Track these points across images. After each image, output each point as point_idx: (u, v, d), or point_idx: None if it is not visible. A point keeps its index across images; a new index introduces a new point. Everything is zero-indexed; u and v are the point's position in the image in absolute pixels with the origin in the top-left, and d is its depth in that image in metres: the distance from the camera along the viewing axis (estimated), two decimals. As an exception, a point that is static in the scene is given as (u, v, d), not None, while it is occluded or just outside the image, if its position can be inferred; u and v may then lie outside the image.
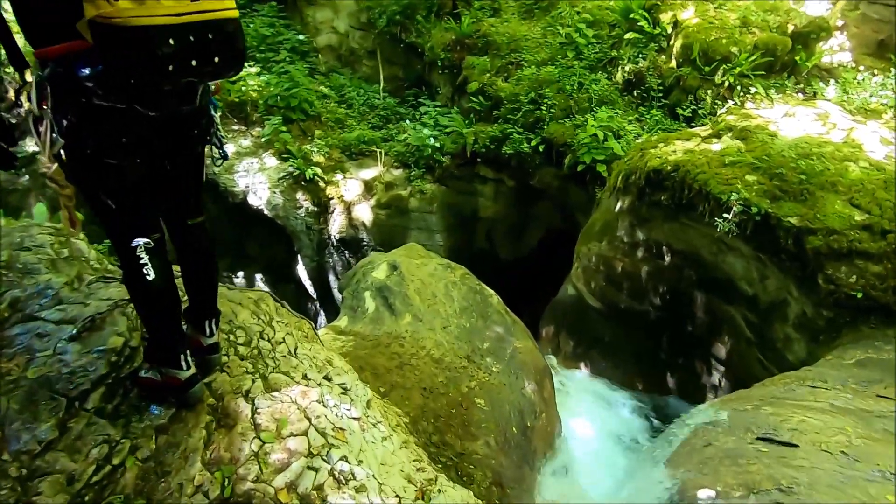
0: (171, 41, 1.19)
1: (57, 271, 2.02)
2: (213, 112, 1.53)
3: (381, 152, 8.65)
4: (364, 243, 8.69)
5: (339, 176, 8.52)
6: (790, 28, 6.41)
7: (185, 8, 1.22)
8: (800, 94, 6.25)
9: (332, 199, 8.54)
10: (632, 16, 6.90)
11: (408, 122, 9.14)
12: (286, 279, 9.91)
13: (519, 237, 8.68)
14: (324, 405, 1.90)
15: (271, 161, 8.60)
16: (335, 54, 10.84)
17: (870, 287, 3.66)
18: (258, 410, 1.72)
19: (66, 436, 1.45)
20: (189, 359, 1.59)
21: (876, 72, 6.25)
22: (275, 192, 8.54)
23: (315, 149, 8.60)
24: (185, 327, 1.69)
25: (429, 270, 5.39)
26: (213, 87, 1.51)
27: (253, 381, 1.81)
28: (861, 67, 6.61)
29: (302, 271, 9.46)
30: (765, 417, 3.10)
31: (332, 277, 9.25)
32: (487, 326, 4.85)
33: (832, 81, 6.00)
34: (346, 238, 8.68)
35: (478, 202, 8.26)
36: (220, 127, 1.55)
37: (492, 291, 5.29)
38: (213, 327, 1.73)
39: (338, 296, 9.18)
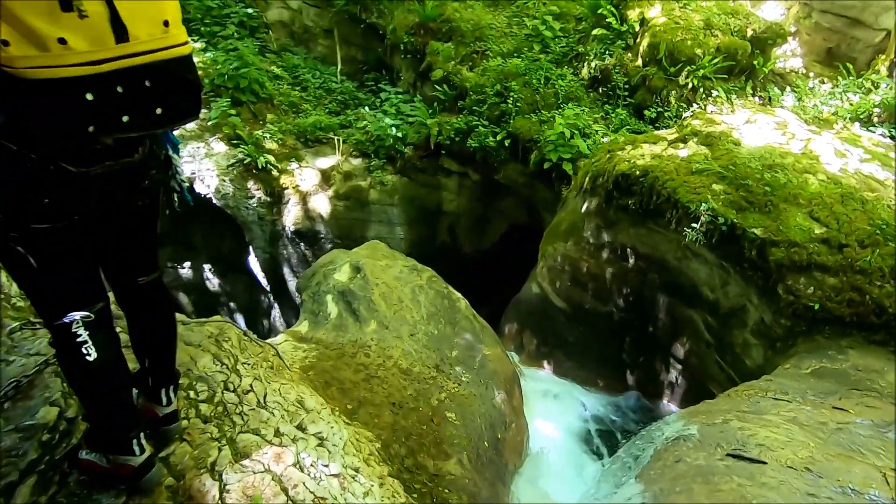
0: (89, 96, 0.92)
1: (-30, 317, 1.69)
2: (171, 152, 1.26)
3: (338, 140, 8.24)
4: (321, 236, 8.32)
5: (293, 164, 8.06)
6: (749, 32, 6.54)
7: (108, 52, 0.95)
8: (756, 99, 6.42)
9: (286, 188, 8.08)
10: (600, 11, 6.82)
11: (367, 108, 8.75)
12: (236, 271, 9.40)
13: (482, 232, 8.58)
14: (300, 468, 1.70)
15: (219, 146, 8.00)
16: (287, 31, 10.17)
17: (826, 299, 3.81)
18: (227, 487, 1.50)
19: (-11, 547, 1.19)
20: (143, 441, 1.34)
21: (825, 80, 6.50)
22: (224, 181, 7.97)
23: (267, 134, 8.07)
24: (136, 397, 1.43)
25: (394, 273, 5.18)
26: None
27: (219, 450, 1.58)
28: (811, 74, 6.87)
29: (254, 263, 8.97)
30: (733, 432, 3.17)
31: (286, 270, 8.83)
32: (456, 333, 4.73)
33: (788, 88, 6.19)
34: (301, 230, 8.27)
35: (441, 196, 8.07)
36: (180, 170, 1.28)
37: (459, 295, 5.17)
38: (172, 395, 1.48)
39: (293, 289, 8.80)
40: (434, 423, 3.72)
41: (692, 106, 5.97)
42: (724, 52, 6.18)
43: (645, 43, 6.51)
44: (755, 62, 6.44)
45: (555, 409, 5.69)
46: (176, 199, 1.33)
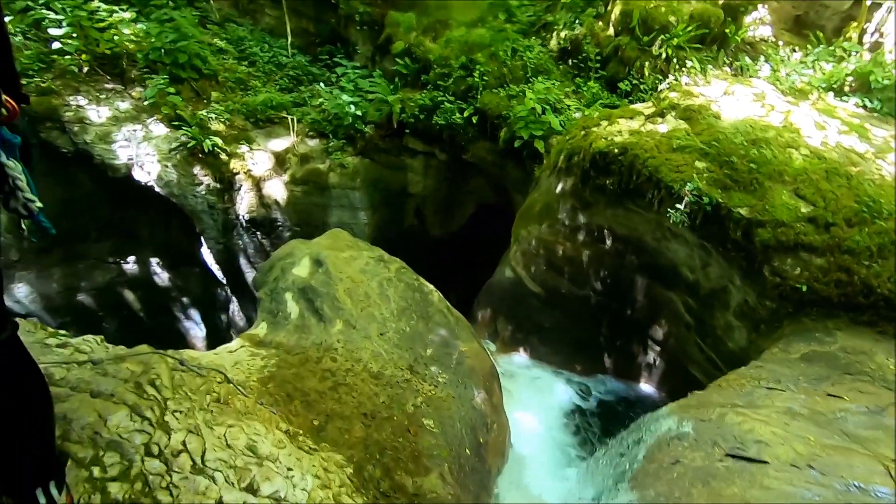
0: None
1: None
2: (1, 157, 0.83)
3: (292, 119, 7.62)
4: (278, 224, 7.77)
5: (244, 147, 7.41)
6: (721, -1, 6.30)
7: None
8: (727, 69, 6.23)
9: (237, 174, 7.44)
10: (568, -24, 6.44)
11: (322, 84, 8.12)
12: (188, 263, 8.76)
13: (450, 213, 8.22)
14: (250, 552, 1.33)
15: (159, 129, 7.25)
16: (231, 0, 9.30)
17: (813, 280, 3.67)
18: None
19: None
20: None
21: (796, 48, 6.36)
22: (167, 166, 7.26)
23: (213, 115, 7.37)
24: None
25: (359, 265, 4.77)
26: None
27: (136, 549, 1.19)
28: (780, 43, 6.73)
29: (207, 255, 8.34)
30: (730, 429, 2.99)
31: (243, 261, 8.26)
32: (430, 329, 4.40)
33: (762, 58, 6.01)
34: (256, 218, 7.69)
35: (407, 177, 7.62)
36: (20, 182, 0.85)
37: (431, 287, 4.82)
38: (54, 492, 1.08)
39: (251, 278, 8.26)
40: (411, 433, 3.41)
41: (667, 77, 5.71)
42: (697, 19, 5.92)
43: (617, 10, 6.17)
44: (727, 30, 6.23)
45: (534, 398, 5.50)
46: (24, 225, 0.91)
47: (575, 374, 5.96)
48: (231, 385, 2.39)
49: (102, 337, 2.36)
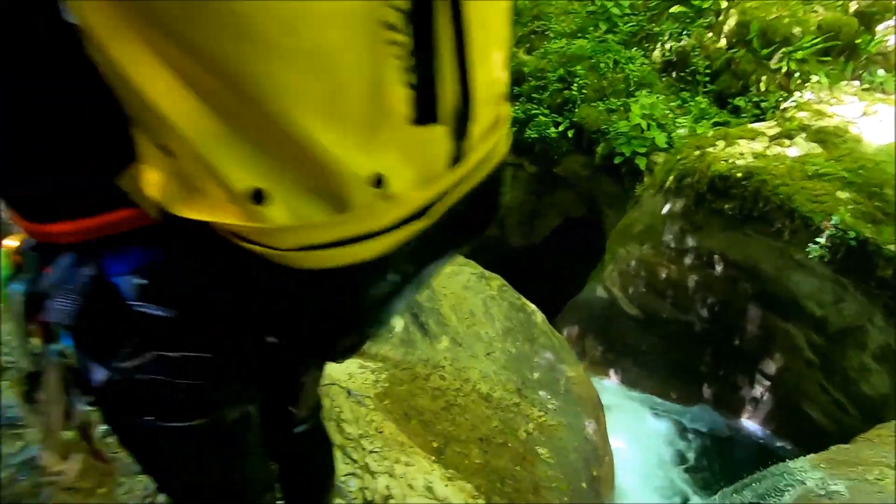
0: (391, 275, 0.50)
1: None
2: None
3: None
4: (366, 230, 7.96)
5: (337, 155, 7.64)
6: (853, 6, 5.81)
7: (439, 185, 0.47)
8: (855, 83, 5.73)
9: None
10: (679, -15, 6.16)
11: (412, 93, 8.23)
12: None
13: (533, 224, 8.11)
14: None
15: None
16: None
17: (982, 329, 3.30)
18: None
19: None
20: None
21: (938, 61, 5.75)
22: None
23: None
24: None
25: (462, 281, 4.78)
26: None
27: None
28: (917, 54, 6.11)
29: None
30: (892, 495, 2.73)
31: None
32: (535, 352, 4.34)
33: (902, 73, 5.47)
34: (345, 224, 7.92)
35: (494, 188, 7.58)
36: None
37: (534, 307, 4.75)
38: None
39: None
40: (527, 461, 3.36)
41: (790, 94, 5.33)
42: (826, 30, 5.49)
43: (732, 21, 5.83)
44: (858, 41, 5.73)
45: (629, 425, 5.29)
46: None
47: (670, 401, 5.71)
48: (379, 411, 2.43)
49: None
